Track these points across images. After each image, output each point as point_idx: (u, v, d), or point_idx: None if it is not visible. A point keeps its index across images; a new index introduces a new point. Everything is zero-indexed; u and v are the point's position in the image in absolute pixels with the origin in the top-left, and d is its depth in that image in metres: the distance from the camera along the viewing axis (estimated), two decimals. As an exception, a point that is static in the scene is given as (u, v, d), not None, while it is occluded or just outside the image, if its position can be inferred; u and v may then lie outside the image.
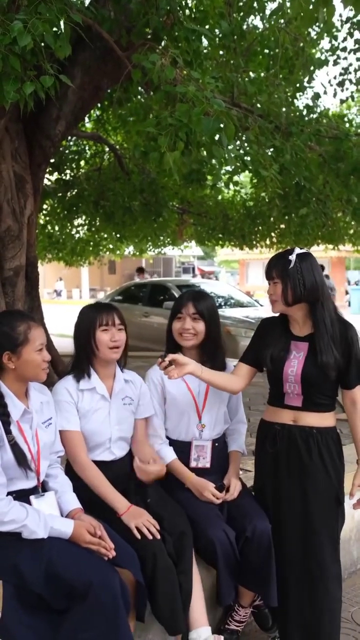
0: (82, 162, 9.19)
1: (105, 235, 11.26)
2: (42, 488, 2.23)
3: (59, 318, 12.31)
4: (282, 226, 9.40)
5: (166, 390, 2.70)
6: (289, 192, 6.52)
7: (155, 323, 9.64)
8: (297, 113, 6.56)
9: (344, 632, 2.67)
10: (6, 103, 3.05)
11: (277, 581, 2.42)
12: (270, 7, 5.51)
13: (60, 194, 8.84)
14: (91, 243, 11.39)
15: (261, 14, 5.73)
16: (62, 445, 2.40)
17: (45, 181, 7.62)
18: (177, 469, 2.65)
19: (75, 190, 8.88)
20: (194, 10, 5.08)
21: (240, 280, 34.15)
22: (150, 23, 3.95)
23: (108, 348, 2.47)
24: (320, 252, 12.72)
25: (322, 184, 6.69)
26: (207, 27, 5.09)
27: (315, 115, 6.71)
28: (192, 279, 20.90)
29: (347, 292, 25.92)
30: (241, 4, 5.45)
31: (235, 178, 7.80)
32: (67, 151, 8.67)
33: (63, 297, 31.15)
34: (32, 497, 2.15)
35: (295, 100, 7.15)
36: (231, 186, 8.21)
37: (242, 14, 5.58)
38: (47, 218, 9.86)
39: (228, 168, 6.65)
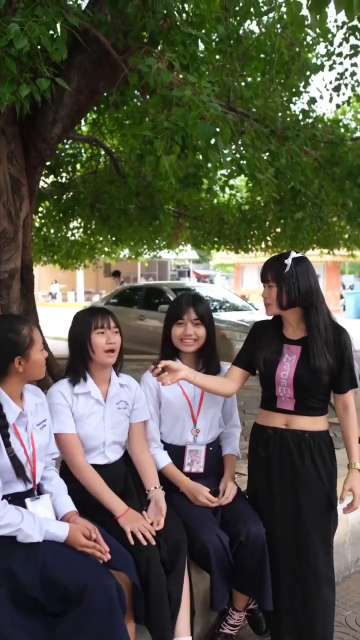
0: (78, 165, 9.19)
1: (101, 238, 11.25)
2: (37, 491, 2.22)
3: (54, 321, 12.31)
4: (278, 230, 9.42)
5: (161, 394, 2.69)
6: (284, 196, 6.55)
7: (151, 326, 9.65)
8: (293, 117, 6.60)
9: (337, 636, 2.67)
10: (2, 105, 3.05)
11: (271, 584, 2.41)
12: (268, 16, 5.54)
13: (56, 197, 8.83)
14: (87, 246, 11.40)
15: (257, 19, 5.75)
16: (56, 447, 2.40)
17: (41, 184, 7.63)
18: (171, 473, 2.65)
19: (71, 193, 8.89)
20: (191, 14, 5.09)
21: (235, 284, 34.17)
22: (147, 27, 3.95)
23: (104, 351, 2.46)
24: (316, 256, 12.75)
25: (318, 189, 6.72)
26: (203, 31, 5.11)
27: (310, 120, 6.76)
28: (187, 282, 20.91)
29: (341, 297, 26.00)
30: (237, 8, 5.47)
31: (231, 182, 7.83)
32: (63, 154, 8.67)
33: (58, 299, 31.13)
34: (27, 500, 2.15)
35: (291, 105, 7.20)
36: (227, 190, 8.26)
37: (238, 18, 5.60)
38: (43, 221, 9.85)
39: (224, 172, 6.67)
